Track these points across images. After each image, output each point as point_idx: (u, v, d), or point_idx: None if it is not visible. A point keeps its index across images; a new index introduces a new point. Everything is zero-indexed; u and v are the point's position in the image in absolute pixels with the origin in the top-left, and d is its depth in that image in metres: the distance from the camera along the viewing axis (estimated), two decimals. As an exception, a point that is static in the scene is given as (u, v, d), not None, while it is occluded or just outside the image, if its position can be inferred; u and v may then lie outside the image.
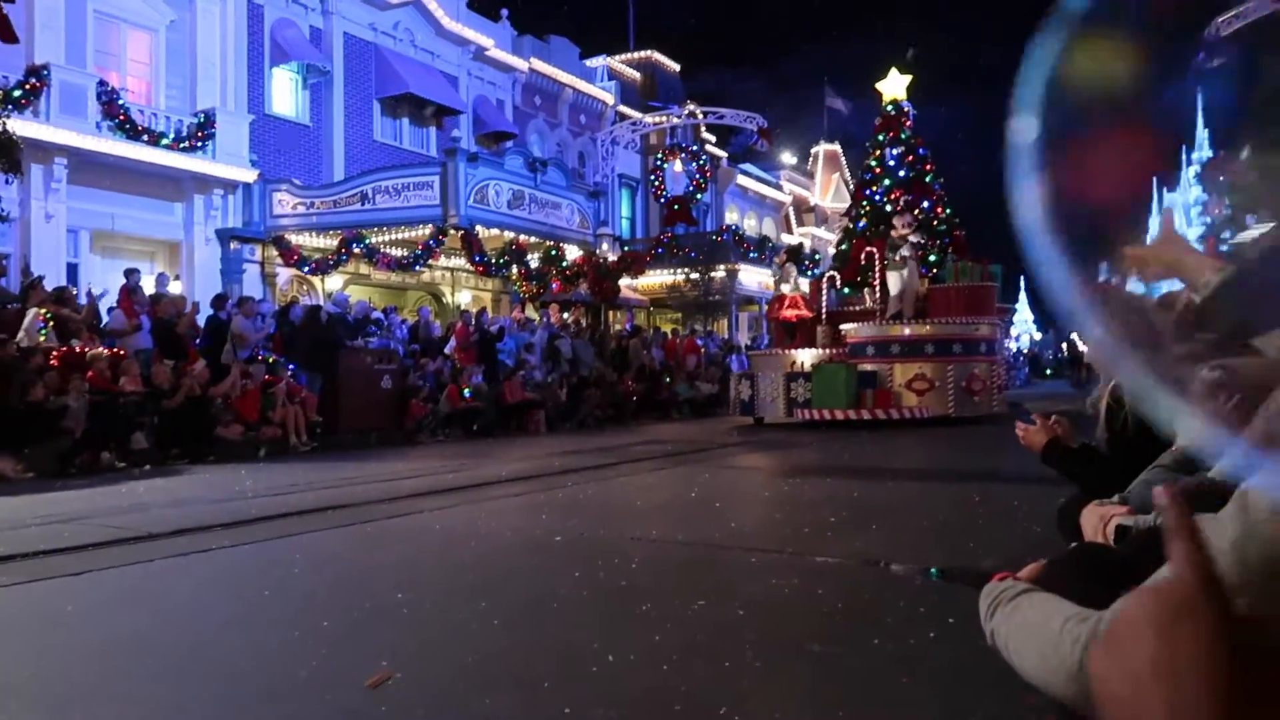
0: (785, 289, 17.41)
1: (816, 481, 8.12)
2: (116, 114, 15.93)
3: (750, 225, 36.32)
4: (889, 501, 6.79)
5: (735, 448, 12.06)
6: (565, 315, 20.96)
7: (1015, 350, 47.83)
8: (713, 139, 33.48)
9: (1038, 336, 68.42)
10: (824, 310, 16.93)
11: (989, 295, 16.34)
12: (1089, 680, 0.84)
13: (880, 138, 19.78)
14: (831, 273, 18.12)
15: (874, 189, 19.53)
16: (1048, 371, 54.13)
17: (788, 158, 42.05)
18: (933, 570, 4.38)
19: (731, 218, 34.89)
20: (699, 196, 26.74)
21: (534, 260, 19.30)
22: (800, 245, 24.04)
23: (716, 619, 3.57)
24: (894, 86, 19.81)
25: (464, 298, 22.30)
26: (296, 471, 9.51)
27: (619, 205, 30.21)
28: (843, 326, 16.29)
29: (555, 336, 18.24)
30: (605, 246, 21.52)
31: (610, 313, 22.38)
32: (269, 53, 19.55)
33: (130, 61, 17.50)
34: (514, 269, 18.78)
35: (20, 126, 12.95)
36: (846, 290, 18.00)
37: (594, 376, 17.83)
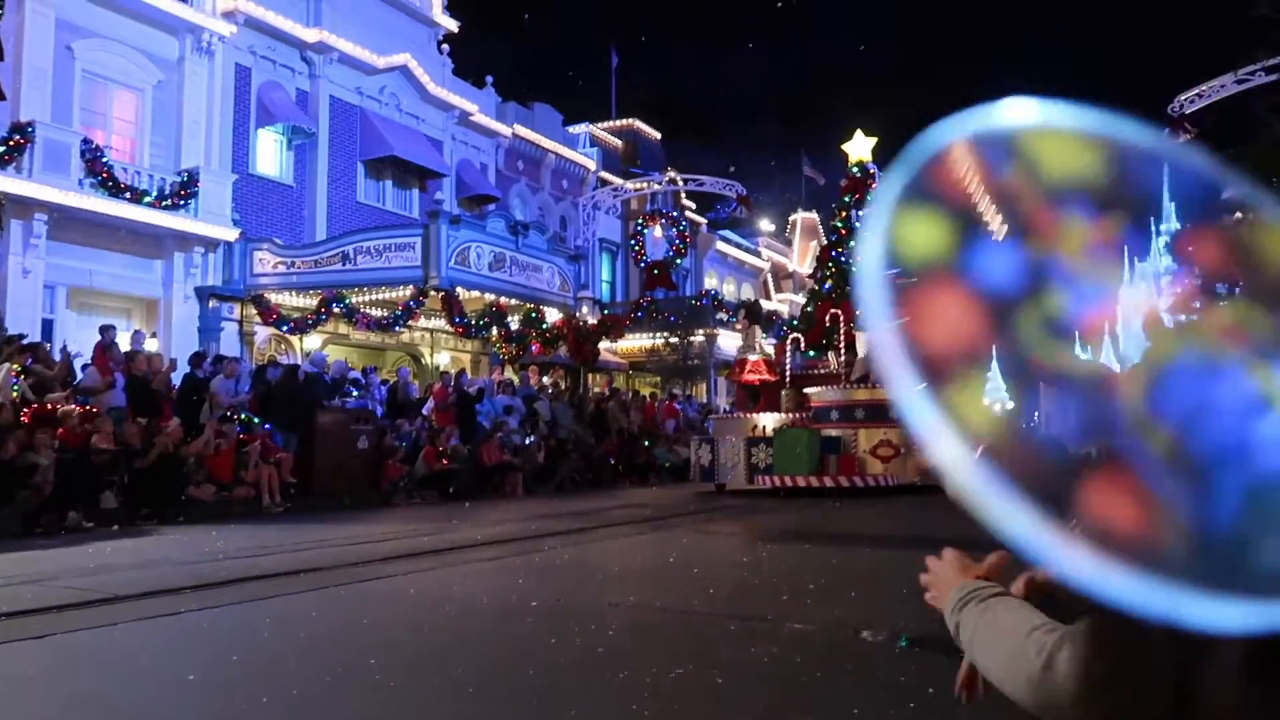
0: (752, 356, 17.30)
1: (793, 547, 8.08)
2: (100, 171, 15.97)
3: (729, 290, 36.65)
4: (866, 568, 6.76)
5: (712, 512, 11.99)
6: (545, 378, 20.95)
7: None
8: (693, 205, 33.93)
9: (1010, 405, 68.99)
10: (788, 373, 16.72)
11: None
12: (1049, 689, 0.90)
13: (846, 199, 19.68)
14: (796, 335, 18.00)
15: (840, 251, 19.30)
16: None
17: (766, 225, 42.64)
18: (903, 640, 4.35)
19: (711, 283, 35.20)
20: (679, 262, 27.01)
21: (514, 322, 19.34)
22: (758, 303, 24.04)
23: (695, 687, 3.52)
24: (860, 148, 19.83)
25: (443, 359, 22.26)
26: (269, 533, 9.37)
27: (599, 269, 30.43)
28: (806, 390, 16.05)
29: (534, 399, 18.21)
30: (585, 309, 21.62)
31: (590, 375, 22.39)
32: (255, 114, 19.73)
33: (116, 120, 17.60)
34: (494, 331, 18.80)
35: (2, 183, 12.96)
36: (811, 353, 17.78)
37: (572, 439, 17.76)
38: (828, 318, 17.03)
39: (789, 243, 44.11)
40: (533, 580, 6.20)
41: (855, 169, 19.85)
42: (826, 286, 19.25)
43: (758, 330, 17.70)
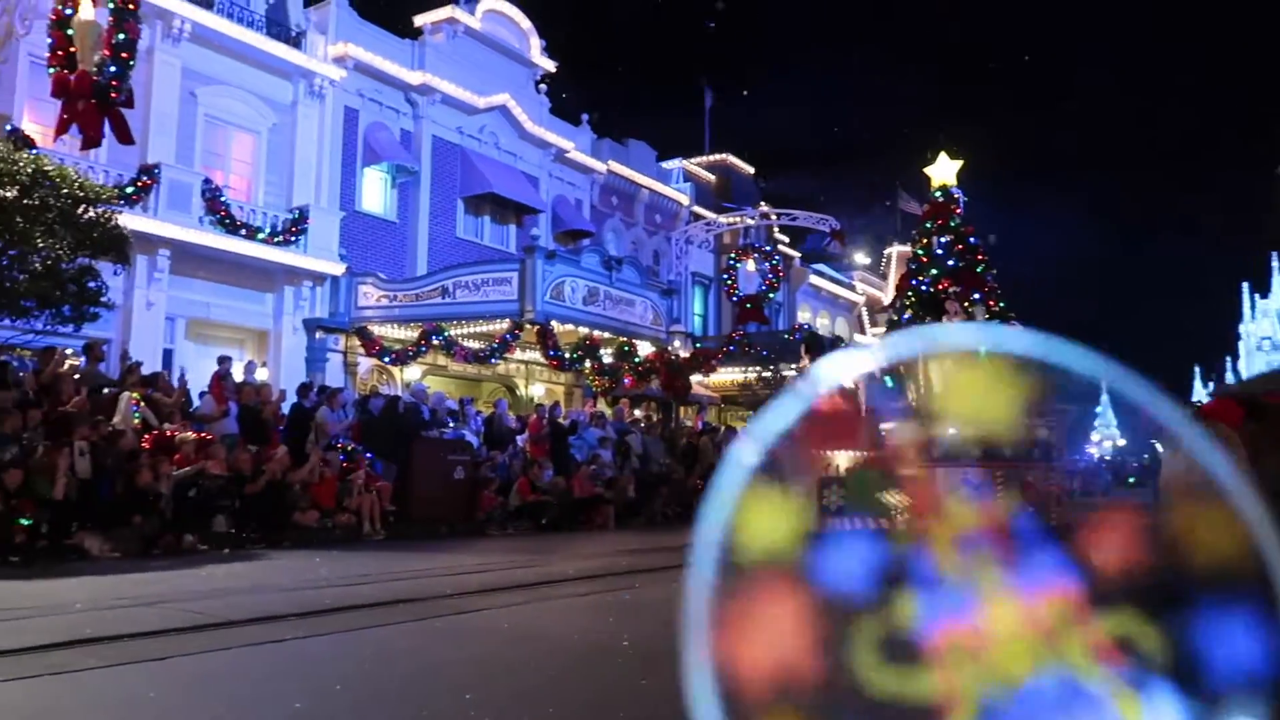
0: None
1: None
2: (218, 209, 16.86)
3: (823, 325, 36.32)
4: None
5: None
6: (637, 411, 21.07)
7: (1098, 457, 46.05)
8: (785, 239, 33.82)
9: (1121, 442, 66.07)
10: (865, 408, 16.04)
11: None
12: None
13: (928, 225, 18.85)
14: None
15: (920, 278, 18.54)
16: (1130, 480, 51.57)
17: (861, 258, 42.16)
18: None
19: (804, 317, 34.96)
20: (771, 296, 26.95)
21: (607, 355, 19.56)
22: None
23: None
24: (943, 172, 18.91)
25: (537, 390, 22.61)
26: (369, 561, 9.64)
27: (692, 303, 30.54)
28: (883, 426, 15.34)
29: (626, 432, 18.32)
30: (677, 343, 21.71)
31: (681, 409, 22.42)
32: (361, 154, 20.57)
33: (234, 161, 18.58)
34: (587, 364, 19.05)
35: (130, 220, 13.76)
36: (890, 385, 17.07)
37: (664, 473, 17.79)
38: None
39: (884, 276, 43.52)
40: (624, 617, 6.23)
41: (938, 193, 19.12)
42: (906, 315, 18.67)
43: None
